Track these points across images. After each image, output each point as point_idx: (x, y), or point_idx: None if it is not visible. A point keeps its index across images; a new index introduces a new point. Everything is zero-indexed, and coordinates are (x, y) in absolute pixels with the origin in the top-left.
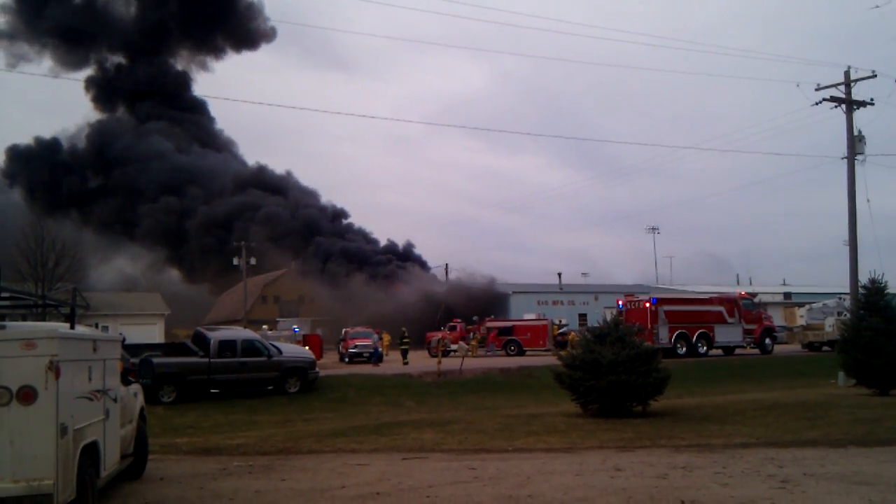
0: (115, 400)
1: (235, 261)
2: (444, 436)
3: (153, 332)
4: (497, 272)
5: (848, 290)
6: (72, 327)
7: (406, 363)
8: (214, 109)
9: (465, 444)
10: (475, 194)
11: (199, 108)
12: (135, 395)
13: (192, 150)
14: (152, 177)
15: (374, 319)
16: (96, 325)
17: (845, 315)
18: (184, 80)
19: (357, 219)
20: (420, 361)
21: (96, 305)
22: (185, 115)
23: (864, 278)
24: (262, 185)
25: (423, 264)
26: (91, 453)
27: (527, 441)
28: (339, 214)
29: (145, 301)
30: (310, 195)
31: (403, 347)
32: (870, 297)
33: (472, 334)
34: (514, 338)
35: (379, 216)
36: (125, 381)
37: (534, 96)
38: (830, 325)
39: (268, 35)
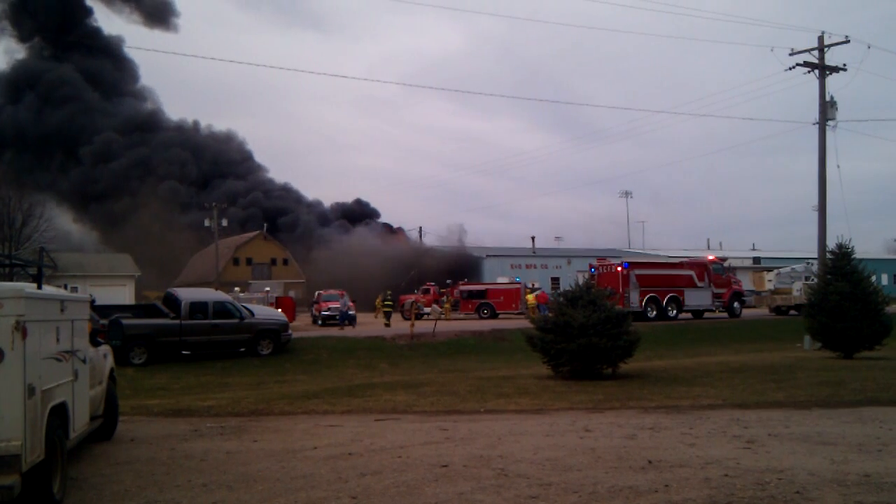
0: (83, 361)
1: (206, 222)
2: (417, 398)
3: (123, 294)
4: (471, 235)
5: (816, 255)
6: (39, 287)
7: (387, 325)
8: (184, 67)
9: (437, 406)
10: (450, 157)
11: (113, 56)
12: (104, 356)
13: (88, 97)
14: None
15: (343, 281)
16: (65, 286)
17: (813, 279)
18: (87, 23)
19: (330, 182)
20: (394, 324)
21: (65, 266)
22: (94, 61)
23: (832, 243)
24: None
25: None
26: (60, 414)
27: (498, 403)
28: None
29: (115, 262)
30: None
31: (386, 310)
32: (837, 262)
33: (445, 297)
34: (487, 301)
35: (352, 179)
36: (94, 343)
37: (510, 58)
38: (798, 290)
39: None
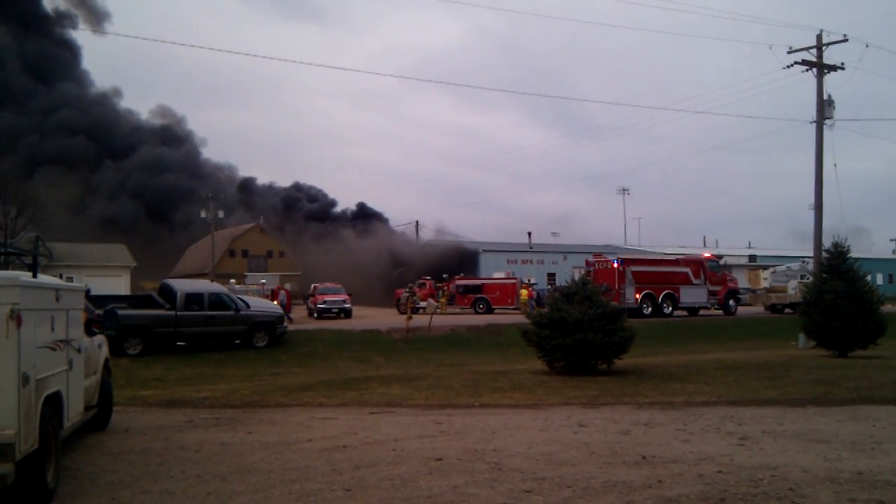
0: (78, 350)
1: (203, 213)
2: (412, 391)
3: (119, 284)
4: (467, 230)
5: (812, 254)
6: (34, 276)
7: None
8: (179, 57)
9: (431, 400)
10: (447, 151)
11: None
12: (99, 346)
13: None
14: None
15: (340, 275)
16: (61, 276)
17: (808, 278)
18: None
19: (326, 175)
20: (389, 318)
21: (61, 256)
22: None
23: (828, 242)
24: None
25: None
26: (54, 403)
27: (493, 397)
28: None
29: (111, 252)
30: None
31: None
32: (832, 261)
33: (440, 291)
34: (482, 296)
35: (349, 172)
36: (89, 333)
37: (509, 53)
38: (793, 288)
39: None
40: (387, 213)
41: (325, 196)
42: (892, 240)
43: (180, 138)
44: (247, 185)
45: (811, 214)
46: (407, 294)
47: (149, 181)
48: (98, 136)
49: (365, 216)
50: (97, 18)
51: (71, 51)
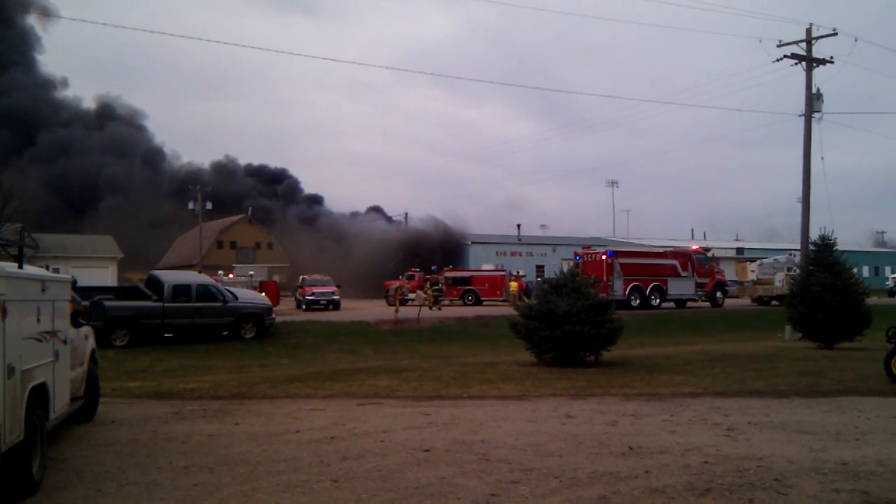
0: (64, 342)
1: (191, 205)
2: (400, 383)
3: (106, 276)
4: (456, 222)
5: (799, 247)
6: (20, 267)
7: (439, 309)
8: (171, 48)
9: (420, 391)
10: (437, 144)
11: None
12: (85, 337)
13: None
14: None
15: (331, 267)
16: (47, 267)
17: (795, 270)
18: None
19: (317, 167)
20: (378, 310)
21: (47, 247)
22: None
23: (815, 235)
24: None
25: None
26: (40, 395)
27: (481, 388)
28: None
29: (98, 244)
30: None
31: (436, 295)
32: (819, 254)
33: (427, 284)
34: (471, 288)
35: (339, 164)
36: (76, 324)
37: (501, 46)
38: (780, 281)
39: None
40: (376, 205)
41: (239, 168)
42: (878, 232)
43: (120, 121)
44: (151, 159)
45: (799, 208)
46: (427, 287)
47: (56, 167)
48: (16, 125)
49: (272, 181)
50: (48, 9)
51: (24, 39)
